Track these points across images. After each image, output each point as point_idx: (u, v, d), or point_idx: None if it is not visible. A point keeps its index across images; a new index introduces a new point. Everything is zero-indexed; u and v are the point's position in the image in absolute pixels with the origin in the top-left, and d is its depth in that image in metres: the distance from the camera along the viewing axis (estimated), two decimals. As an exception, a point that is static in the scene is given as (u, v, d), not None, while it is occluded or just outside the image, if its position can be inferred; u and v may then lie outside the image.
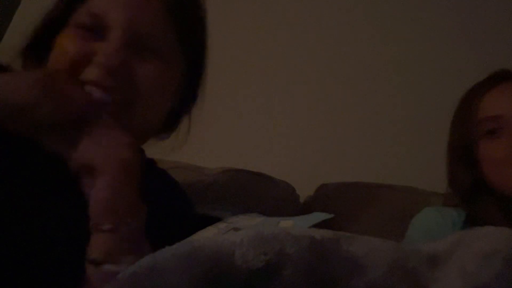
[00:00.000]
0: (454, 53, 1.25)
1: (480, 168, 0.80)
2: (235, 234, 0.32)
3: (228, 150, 1.21)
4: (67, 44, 0.57)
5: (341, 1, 1.34)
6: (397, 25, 1.30)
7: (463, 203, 0.81)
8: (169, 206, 0.65)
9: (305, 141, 1.21)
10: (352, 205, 0.97)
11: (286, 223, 0.72)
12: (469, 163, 0.82)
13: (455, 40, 1.26)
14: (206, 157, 1.12)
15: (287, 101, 1.26)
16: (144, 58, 0.58)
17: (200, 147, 1.20)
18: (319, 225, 0.90)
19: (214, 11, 1.32)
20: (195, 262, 0.29)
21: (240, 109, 1.27)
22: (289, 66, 1.30)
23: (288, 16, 1.34)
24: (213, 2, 1.31)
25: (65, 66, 0.56)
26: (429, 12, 1.30)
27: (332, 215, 0.73)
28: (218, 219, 0.79)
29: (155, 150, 0.75)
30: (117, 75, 0.55)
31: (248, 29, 1.34)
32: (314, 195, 1.04)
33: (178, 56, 0.64)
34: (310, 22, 1.34)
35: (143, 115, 0.59)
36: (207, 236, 0.32)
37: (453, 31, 1.27)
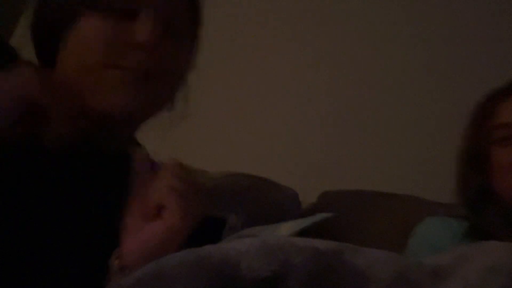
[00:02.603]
0: (460, 62, 1.25)
1: (489, 175, 0.80)
2: (241, 242, 0.32)
3: (232, 155, 1.21)
4: (99, 27, 0.56)
5: (347, 2, 1.34)
6: (405, 33, 1.30)
7: (468, 211, 0.81)
8: None
9: (309, 148, 1.21)
10: (354, 214, 0.97)
11: (286, 226, 0.72)
12: (479, 169, 0.81)
13: (463, 49, 1.26)
14: (210, 161, 1.12)
15: (291, 107, 1.26)
16: (170, 38, 0.59)
17: (203, 151, 1.20)
18: (320, 234, 0.90)
19: (218, 14, 1.33)
20: (201, 270, 0.29)
21: (244, 114, 1.27)
22: (295, 72, 1.30)
23: (294, 19, 1.35)
24: (213, 4, 1.31)
25: (99, 50, 0.55)
26: (437, 18, 1.30)
27: (331, 214, 0.73)
28: (222, 220, 0.79)
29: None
30: (154, 55, 0.56)
31: (252, 34, 1.34)
32: (316, 203, 1.04)
33: (192, 39, 0.64)
34: (317, 26, 1.34)
35: (160, 92, 0.60)
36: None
37: (464, 39, 1.27)
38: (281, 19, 1.35)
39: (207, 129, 1.26)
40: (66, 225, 0.51)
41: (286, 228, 0.62)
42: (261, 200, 1.00)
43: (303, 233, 0.63)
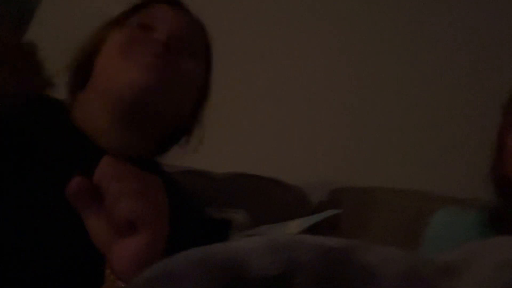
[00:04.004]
0: (466, 61, 1.24)
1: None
2: (249, 240, 0.32)
3: (239, 155, 1.21)
4: (117, 37, 0.67)
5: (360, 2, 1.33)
6: (416, 26, 1.29)
7: (497, 198, 0.79)
8: (175, 211, 0.66)
9: (318, 145, 1.21)
10: (365, 211, 0.96)
11: (293, 224, 0.72)
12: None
13: (470, 47, 1.25)
14: (217, 162, 1.12)
15: (299, 105, 1.26)
16: (185, 58, 0.69)
17: (211, 152, 1.20)
18: (330, 232, 0.90)
19: (225, 14, 1.33)
20: (210, 268, 0.29)
21: (251, 113, 1.27)
22: (302, 70, 1.29)
23: (304, 17, 1.34)
24: (222, 4, 1.32)
25: (117, 52, 0.65)
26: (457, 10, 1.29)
27: (339, 211, 0.72)
28: (227, 222, 0.79)
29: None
30: (167, 59, 0.65)
31: (261, 34, 1.34)
32: (326, 200, 1.03)
33: (205, 65, 0.75)
34: (330, 22, 1.33)
35: (173, 107, 0.68)
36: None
37: (475, 38, 1.25)
38: (289, 17, 1.34)
39: (214, 129, 1.25)
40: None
41: (295, 226, 0.62)
42: (268, 201, 0.99)
43: (312, 230, 0.63)
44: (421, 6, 1.29)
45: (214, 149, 1.20)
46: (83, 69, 0.71)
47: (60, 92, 0.74)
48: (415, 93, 1.23)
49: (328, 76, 1.27)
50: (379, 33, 1.29)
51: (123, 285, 0.41)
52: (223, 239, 0.75)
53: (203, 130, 0.80)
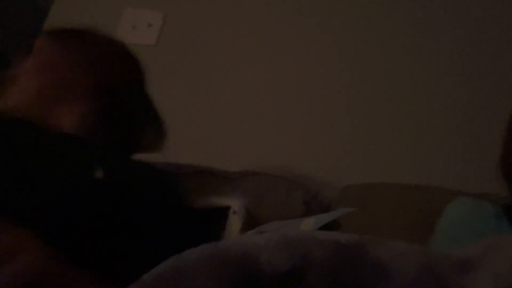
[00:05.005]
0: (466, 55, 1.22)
1: None
2: (260, 236, 0.31)
3: (250, 153, 1.20)
4: None
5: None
6: (425, 16, 1.28)
7: (507, 189, 0.77)
8: (143, 203, 0.61)
9: (330, 141, 1.20)
10: (378, 207, 0.95)
11: (308, 221, 0.72)
12: None
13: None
14: (228, 160, 1.12)
15: (309, 103, 1.25)
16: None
17: (221, 150, 1.20)
18: (343, 229, 0.89)
19: (225, 13, 1.33)
20: (221, 265, 0.29)
21: (262, 111, 1.26)
22: (312, 67, 1.29)
23: (307, 13, 1.33)
24: (212, 4, 1.31)
25: None
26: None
27: (353, 209, 0.72)
28: (220, 210, 0.78)
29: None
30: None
31: (260, 31, 1.33)
32: (338, 197, 1.02)
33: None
34: (330, 18, 1.32)
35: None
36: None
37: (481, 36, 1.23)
38: (292, 14, 1.34)
39: (225, 126, 1.25)
40: None
41: (308, 224, 0.61)
42: (280, 200, 0.99)
43: (324, 227, 0.62)
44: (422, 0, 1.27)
45: (224, 147, 1.20)
46: None
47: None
48: (424, 88, 1.21)
49: (338, 74, 1.26)
50: (386, 28, 1.27)
51: None
52: (216, 228, 0.73)
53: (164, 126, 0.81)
